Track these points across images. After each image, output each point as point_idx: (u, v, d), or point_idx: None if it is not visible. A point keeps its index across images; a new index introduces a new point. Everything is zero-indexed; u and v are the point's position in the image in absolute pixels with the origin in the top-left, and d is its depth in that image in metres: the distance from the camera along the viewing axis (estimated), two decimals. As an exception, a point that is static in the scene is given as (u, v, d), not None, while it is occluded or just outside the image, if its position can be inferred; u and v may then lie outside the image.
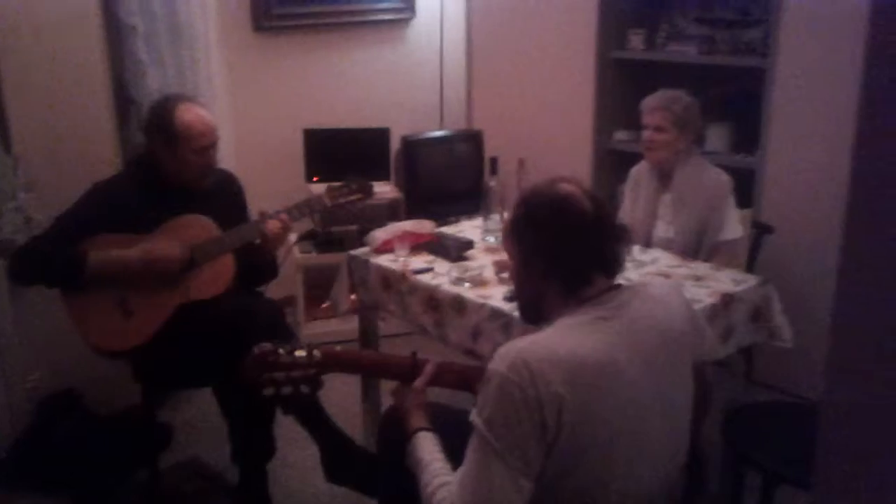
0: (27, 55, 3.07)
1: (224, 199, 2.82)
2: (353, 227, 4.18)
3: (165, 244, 2.58)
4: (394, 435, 1.77)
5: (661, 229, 3.04)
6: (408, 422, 1.75)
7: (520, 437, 1.44)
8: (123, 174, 2.77)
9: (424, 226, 3.04)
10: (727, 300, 2.45)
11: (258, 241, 2.73)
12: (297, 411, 2.53)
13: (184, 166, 2.66)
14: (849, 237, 0.80)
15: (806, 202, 3.32)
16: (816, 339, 3.10)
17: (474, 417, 1.49)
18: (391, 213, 4.20)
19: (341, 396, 2.98)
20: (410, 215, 3.82)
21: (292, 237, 4.11)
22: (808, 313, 3.07)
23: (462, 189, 4.34)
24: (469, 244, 2.90)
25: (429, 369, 1.82)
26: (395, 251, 2.86)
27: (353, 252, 3.00)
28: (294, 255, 4.04)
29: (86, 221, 2.59)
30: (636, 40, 4.02)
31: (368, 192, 2.95)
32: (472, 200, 4.20)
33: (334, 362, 1.85)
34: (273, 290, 3.44)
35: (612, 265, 1.64)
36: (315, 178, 4.10)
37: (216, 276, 2.65)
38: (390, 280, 2.80)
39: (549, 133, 4.32)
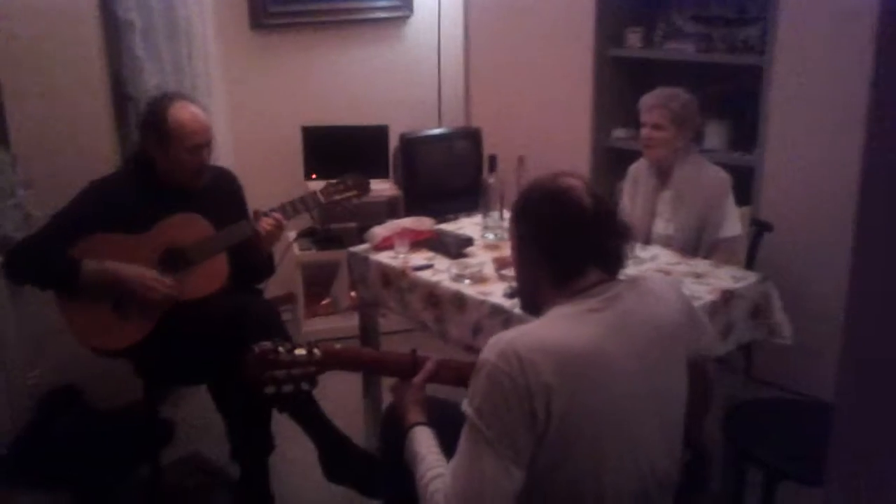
0: (25, 52, 3.07)
1: (222, 196, 2.81)
2: (353, 225, 4.19)
3: (161, 280, 2.58)
4: (396, 435, 1.78)
5: (660, 226, 3.06)
6: (405, 417, 1.76)
7: (509, 426, 1.46)
8: (119, 173, 2.77)
9: (424, 223, 3.05)
10: (727, 297, 2.46)
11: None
12: (292, 410, 2.54)
13: (177, 165, 2.65)
14: (860, 236, 0.81)
15: (805, 200, 3.34)
16: (816, 335, 3.15)
17: (465, 406, 1.51)
18: (390, 210, 4.21)
19: (342, 393, 2.99)
20: (409, 213, 3.83)
21: (291, 234, 4.12)
22: (808, 310, 3.10)
23: (460, 186, 4.34)
24: (469, 241, 2.90)
25: (428, 366, 1.83)
26: (394, 248, 2.86)
27: (353, 249, 3.00)
28: (294, 252, 4.04)
29: (81, 220, 2.59)
30: (634, 38, 4.03)
31: (364, 189, 2.95)
32: (470, 198, 4.20)
33: (334, 360, 1.85)
34: (273, 288, 3.45)
35: (610, 261, 1.65)
36: (313, 176, 4.11)
37: (210, 275, 2.66)
38: (390, 277, 2.81)
39: (547, 131, 4.33)
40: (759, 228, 3.13)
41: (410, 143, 4.28)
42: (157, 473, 2.88)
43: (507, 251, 2.06)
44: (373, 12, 4.41)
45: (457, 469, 1.50)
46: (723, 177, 2.96)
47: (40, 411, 3.09)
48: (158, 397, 2.93)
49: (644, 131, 2.99)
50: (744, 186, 3.33)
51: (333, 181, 2.92)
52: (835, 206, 3.25)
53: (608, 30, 4.07)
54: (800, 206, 3.34)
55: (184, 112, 2.64)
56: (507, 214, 2.23)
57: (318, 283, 4.16)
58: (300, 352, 1.79)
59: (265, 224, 2.71)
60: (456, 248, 2.84)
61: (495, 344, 1.50)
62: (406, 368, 1.85)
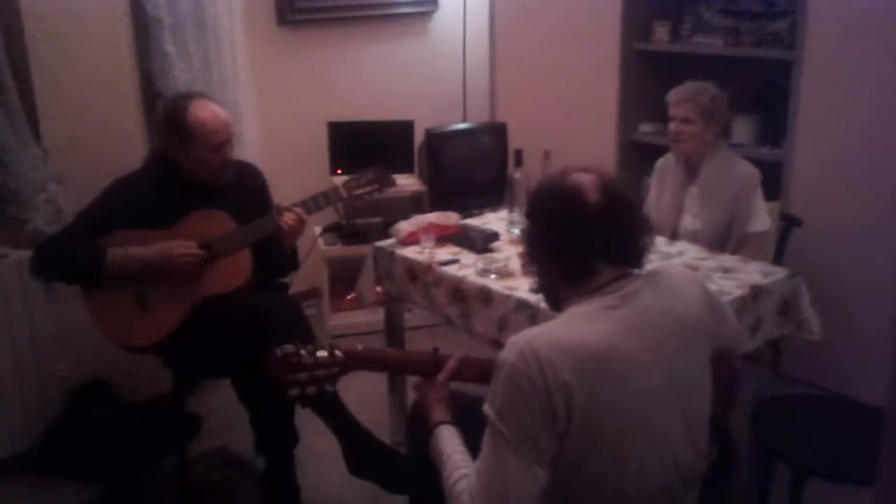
0: (56, 48, 3.11)
1: (245, 192, 2.82)
2: (378, 220, 4.20)
3: (183, 243, 2.60)
4: (421, 433, 1.79)
5: (688, 221, 3.04)
6: (430, 415, 1.77)
7: (530, 426, 1.46)
8: (143, 170, 2.78)
9: (450, 218, 3.04)
10: (755, 292, 2.44)
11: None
12: (315, 405, 2.55)
13: (199, 164, 2.66)
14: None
15: (834, 194, 3.30)
16: (845, 332, 3.12)
17: (486, 408, 1.51)
18: (415, 205, 4.22)
19: (367, 388, 3.00)
20: (434, 208, 3.82)
21: (316, 229, 4.14)
22: (837, 306, 3.07)
23: (485, 181, 4.34)
24: (495, 236, 2.90)
25: (450, 364, 1.84)
26: (420, 243, 2.87)
27: (379, 244, 3.01)
28: (319, 248, 4.06)
29: (105, 218, 2.62)
30: (661, 32, 4.00)
31: (386, 182, 2.94)
32: (495, 193, 4.21)
33: (357, 361, 1.85)
34: (298, 283, 3.47)
35: (624, 256, 1.63)
36: (339, 171, 4.12)
37: (233, 271, 2.67)
38: (416, 271, 2.81)
39: (573, 125, 4.31)
40: (787, 223, 3.10)
41: (436, 138, 4.28)
42: (185, 466, 2.91)
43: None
44: (398, 7, 4.42)
45: (481, 470, 1.51)
46: (751, 171, 2.94)
47: (69, 404, 3.14)
48: (186, 390, 2.96)
49: (672, 125, 2.97)
50: (773, 181, 3.30)
51: (355, 175, 2.92)
52: (865, 201, 3.21)
53: (635, 23, 4.04)
54: (829, 201, 3.31)
55: (204, 111, 2.63)
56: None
57: (343, 278, 4.17)
58: (322, 353, 1.79)
59: (287, 219, 2.72)
60: (482, 242, 2.84)
61: (514, 344, 1.50)
62: (429, 367, 1.85)
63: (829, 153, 3.30)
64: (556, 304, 1.71)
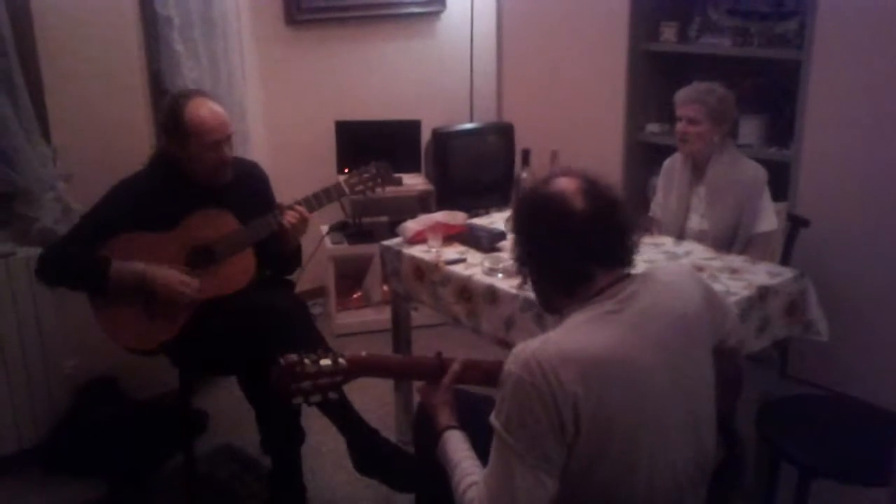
0: (66, 47, 3.12)
1: (248, 190, 2.82)
2: (384, 219, 4.21)
3: (185, 279, 2.60)
4: (428, 436, 1.78)
5: (695, 221, 3.03)
6: (436, 420, 1.77)
7: (538, 436, 1.45)
8: (145, 171, 2.76)
9: (456, 217, 3.05)
10: (763, 293, 2.43)
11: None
12: (320, 404, 2.55)
13: (199, 162, 2.65)
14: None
15: (842, 195, 3.29)
16: (852, 333, 3.12)
17: (493, 419, 1.51)
18: (422, 205, 4.22)
19: (373, 388, 3.00)
20: (441, 207, 3.83)
21: (323, 228, 4.14)
22: (844, 307, 3.06)
23: (492, 181, 4.34)
24: (502, 235, 2.90)
25: (455, 367, 1.83)
26: (427, 242, 2.87)
27: (386, 243, 3.01)
28: (325, 246, 4.06)
29: (109, 220, 2.62)
30: (669, 33, 4.00)
31: (387, 177, 2.94)
32: (501, 193, 4.21)
33: (360, 368, 1.85)
34: (304, 281, 3.48)
35: (616, 257, 1.62)
36: (346, 170, 4.10)
37: (237, 272, 2.68)
38: (423, 270, 2.82)
39: (580, 126, 4.31)
40: (795, 224, 3.09)
41: (442, 138, 4.29)
42: (191, 463, 2.92)
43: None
44: (405, 7, 4.42)
45: (489, 481, 1.51)
46: (759, 171, 2.93)
47: (77, 401, 3.15)
48: (192, 388, 2.96)
49: (679, 126, 2.97)
50: (780, 182, 3.30)
51: (357, 170, 2.92)
52: (872, 202, 3.20)
53: (643, 24, 4.04)
54: (837, 202, 3.30)
55: (201, 109, 2.62)
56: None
57: (349, 276, 4.18)
58: (325, 362, 1.79)
59: (290, 217, 2.72)
60: (489, 242, 2.84)
61: (518, 355, 1.49)
62: (433, 371, 1.85)
63: (837, 154, 3.29)
64: (556, 310, 1.70)
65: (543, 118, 4.47)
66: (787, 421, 2.26)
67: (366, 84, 4.38)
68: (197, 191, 2.69)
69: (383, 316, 3.57)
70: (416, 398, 1.99)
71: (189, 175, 2.68)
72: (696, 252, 2.77)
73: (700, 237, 2.96)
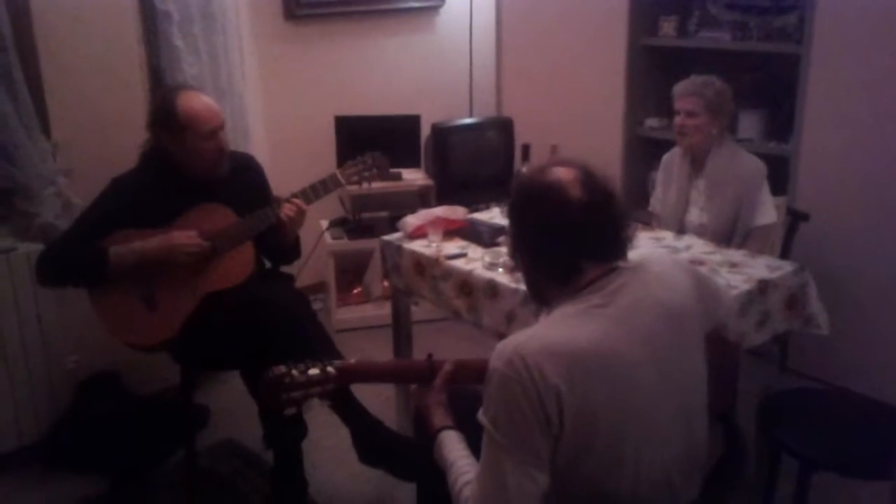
0: (65, 43, 3.12)
1: (244, 184, 2.82)
2: (384, 214, 4.21)
3: (184, 233, 2.61)
4: (426, 440, 1.79)
5: (694, 215, 3.04)
6: (430, 422, 1.76)
7: (525, 432, 1.45)
8: (139, 169, 2.75)
9: (457, 212, 3.05)
10: (763, 287, 2.44)
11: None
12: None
13: (195, 155, 2.64)
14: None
15: (841, 189, 3.29)
16: (852, 326, 3.12)
17: (481, 416, 1.51)
18: (422, 199, 4.23)
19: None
20: (441, 202, 3.83)
21: (323, 223, 4.15)
22: (844, 300, 3.07)
23: (492, 176, 4.34)
24: (502, 230, 2.90)
25: (446, 368, 1.82)
26: (428, 237, 2.87)
27: (387, 238, 3.01)
28: (325, 242, 4.07)
29: (105, 219, 2.62)
30: (668, 27, 4.00)
31: (383, 167, 2.94)
32: (501, 187, 4.19)
33: (350, 375, 1.85)
34: (304, 277, 3.48)
35: (609, 250, 1.61)
36: (348, 171, 4.11)
37: (237, 265, 2.68)
38: (423, 265, 2.82)
39: (579, 121, 4.31)
40: (794, 218, 3.10)
41: (442, 133, 4.29)
42: (193, 458, 2.92)
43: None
44: (405, 2, 4.42)
45: (480, 478, 1.51)
46: (757, 164, 2.94)
47: (78, 396, 3.15)
48: (194, 383, 2.96)
49: (677, 119, 2.97)
50: (779, 176, 3.30)
51: (352, 161, 2.92)
52: (872, 196, 3.21)
53: (642, 18, 4.04)
54: (836, 196, 3.30)
55: (193, 100, 2.62)
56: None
57: (349, 272, 4.18)
58: (314, 371, 1.79)
59: (287, 210, 2.72)
60: (489, 236, 2.85)
61: (502, 351, 1.49)
62: (424, 374, 1.84)
63: (837, 148, 3.29)
64: (545, 302, 1.70)
65: (543, 113, 4.47)
66: (788, 414, 2.27)
67: (365, 79, 4.38)
68: (192, 186, 2.68)
69: (384, 311, 3.57)
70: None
71: (184, 170, 2.67)
72: (697, 246, 2.77)
73: (699, 231, 2.97)
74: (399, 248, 2.92)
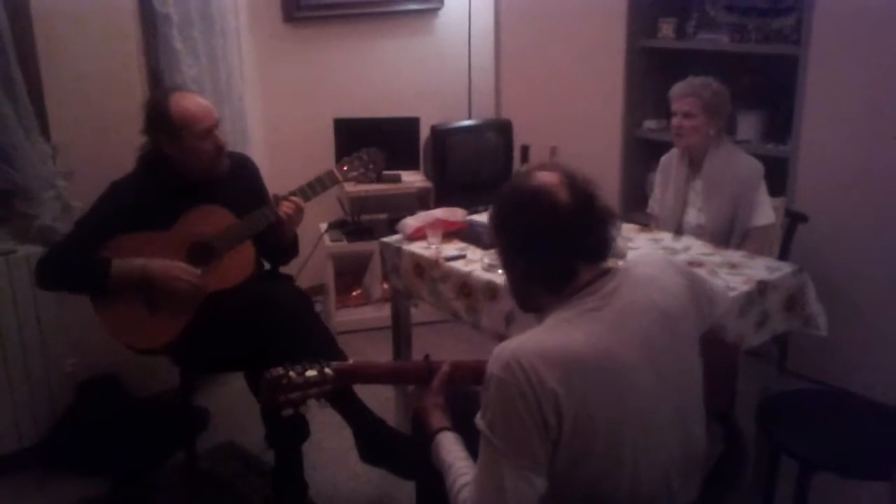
0: (65, 45, 3.12)
1: (240, 183, 2.82)
2: (384, 216, 4.21)
3: (185, 268, 2.60)
4: (425, 442, 1.79)
5: (692, 216, 3.05)
6: (428, 423, 1.76)
7: (523, 437, 1.45)
8: (138, 172, 2.74)
9: (456, 213, 3.05)
10: (762, 288, 2.44)
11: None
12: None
13: (193, 155, 2.63)
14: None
15: (839, 190, 3.30)
16: (851, 327, 3.13)
17: (478, 421, 1.51)
18: (421, 201, 4.23)
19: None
20: (440, 204, 3.83)
21: (322, 226, 4.15)
22: (843, 301, 3.07)
23: (491, 178, 4.34)
24: (501, 231, 2.90)
25: (444, 369, 1.83)
26: (427, 238, 2.88)
27: (386, 239, 3.02)
28: (324, 244, 4.07)
29: (105, 223, 2.61)
30: (666, 29, 4.01)
31: (379, 163, 2.95)
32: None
33: (347, 377, 1.86)
34: (303, 279, 3.47)
35: (598, 251, 1.61)
36: (344, 168, 4.12)
37: (238, 265, 2.68)
38: (423, 267, 2.82)
39: (578, 122, 4.32)
40: (793, 219, 3.10)
41: (441, 135, 4.30)
42: (193, 460, 2.92)
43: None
44: (404, 4, 4.42)
45: (478, 482, 1.52)
46: (755, 165, 2.95)
47: (78, 399, 3.15)
48: (194, 385, 2.97)
49: (675, 120, 2.98)
50: (778, 178, 3.31)
51: (348, 157, 2.92)
52: (870, 197, 3.21)
53: (641, 20, 4.05)
54: (834, 197, 3.31)
55: (185, 101, 2.62)
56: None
57: (348, 274, 4.19)
58: (311, 373, 1.80)
59: (285, 208, 2.72)
60: (488, 238, 2.84)
61: (499, 356, 1.49)
62: (421, 375, 1.84)
63: (835, 149, 3.30)
64: (535, 308, 1.68)
65: (542, 115, 4.48)
66: (787, 415, 2.27)
67: (364, 81, 4.38)
68: (190, 188, 2.68)
69: (383, 313, 3.57)
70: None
71: (184, 171, 2.67)
72: (695, 247, 2.78)
73: (697, 231, 2.98)
74: (398, 250, 2.93)
